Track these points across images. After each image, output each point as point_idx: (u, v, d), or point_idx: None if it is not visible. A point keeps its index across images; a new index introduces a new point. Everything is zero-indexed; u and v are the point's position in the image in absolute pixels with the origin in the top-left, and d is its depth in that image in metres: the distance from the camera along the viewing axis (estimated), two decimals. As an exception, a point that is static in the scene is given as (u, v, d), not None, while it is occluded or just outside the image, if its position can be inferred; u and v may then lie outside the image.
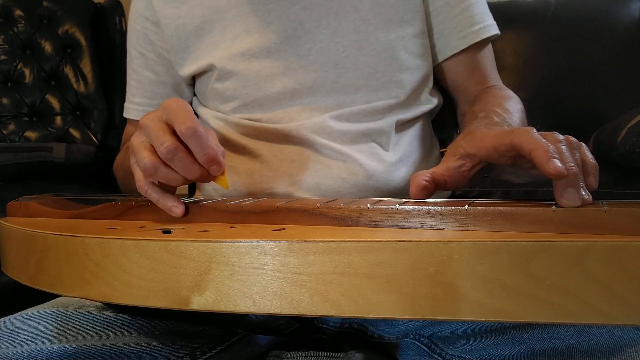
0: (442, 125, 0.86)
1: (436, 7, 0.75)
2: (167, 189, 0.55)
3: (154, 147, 0.50)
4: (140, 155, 0.51)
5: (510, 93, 0.72)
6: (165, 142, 0.49)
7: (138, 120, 0.80)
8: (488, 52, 0.78)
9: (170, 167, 0.50)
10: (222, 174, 0.52)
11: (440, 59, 0.77)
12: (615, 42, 1.76)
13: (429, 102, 0.76)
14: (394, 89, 0.72)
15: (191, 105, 0.82)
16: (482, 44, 0.76)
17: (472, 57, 0.76)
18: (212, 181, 0.53)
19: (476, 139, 0.49)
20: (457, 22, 0.75)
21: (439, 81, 0.81)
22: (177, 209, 0.53)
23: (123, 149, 0.81)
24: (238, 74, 0.72)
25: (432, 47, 0.77)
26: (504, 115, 0.63)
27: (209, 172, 0.51)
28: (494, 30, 0.76)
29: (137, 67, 0.80)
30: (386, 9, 0.72)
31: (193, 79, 0.79)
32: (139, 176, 0.53)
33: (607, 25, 1.77)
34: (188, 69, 0.76)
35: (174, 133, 0.50)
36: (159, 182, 0.54)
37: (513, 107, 0.66)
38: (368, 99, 0.71)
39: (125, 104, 0.83)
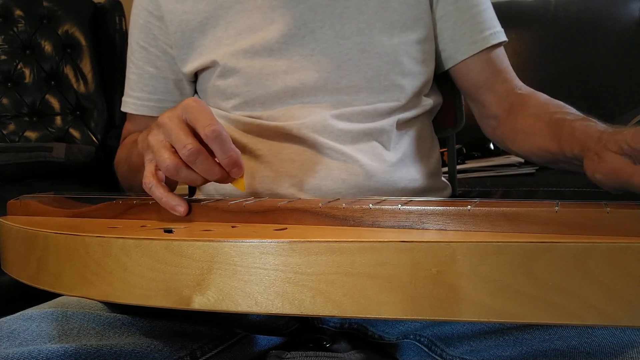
0: (442, 125, 0.87)
1: (447, 11, 0.75)
2: (170, 186, 0.55)
3: (173, 147, 0.51)
4: (161, 156, 0.51)
5: (548, 97, 0.72)
6: (188, 144, 0.49)
7: (136, 115, 0.81)
8: (502, 53, 0.78)
9: (191, 168, 0.51)
10: (241, 176, 0.53)
11: (451, 63, 0.78)
12: (615, 42, 1.77)
13: (428, 103, 0.77)
14: (395, 93, 0.72)
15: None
16: (494, 47, 0.76)
17: (490, 60, 0.76)
18: (229, 183, 0.54)
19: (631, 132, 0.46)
20: (468, 28, 0.75)
21: (458, 85, 0.81)
22: (181, 208, 0.53)
23: (126, 144, 0.81)
24: (240, 72, 0.72)
25: (442, 51, 0.77)
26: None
27: (229, 174, 0.52)
28: (503, 37, 0.77)
29: (138, 60, 0.80)
30: (390, 13, 0.72)
31: (195, 76, 0.79)
32: (148, 172, 0.53)
33: (607, 25, 1.78)
34: (191, 65, 0.76)
35: (194, 134, 0.50)
36: (164, 181, 0.54)
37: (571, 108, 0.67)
38: (369, 100, 0.72)
39: (124, 98, 0.83)
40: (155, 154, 0.52)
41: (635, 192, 0.46)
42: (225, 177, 0.52)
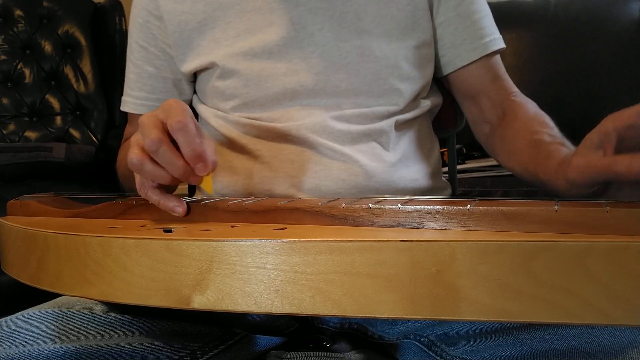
0: (442, 125, 0.87)
1: (448, 17, 0.75)
2: (167, 190, 0.55)
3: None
4: (130, 153, 0.51)
5: (537, 109, 0.72)
6: (151, 134, 0.49)
7: (136, 115, 0.81)
8: (499, 60, 0.78)
9: (157, 164, 0.50)
10: (208, 175, 0.52)
11: (451, 69, 0.78)
12: (615, 42, 1.77)
13: (427, 105, 0.77)
14: (394, 97, 0.72)
15: (191, 103, 0.82)
16: (493, 54, 0.76)
17: (488, 66, 0.77)
18: (197, 184, 0.53)
19: (608, 120, 0.47)
20: (468, 34, 0.75)
21: (454, 90, 0.81)
22: (179, 209, 0.53)
23: (126, 146, 0.81)
24: (240, 73, 0.72)
25: (442, 57, 0.77)
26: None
27: (195, 170, 0.51)
28: (502, 43, 0.77)
29: (137, 60, 0.80)
30: (388, 20, 0.72)
31: (194, 76, 0.79)
32: (137, 179, 0.53)
33: (607, 25, 1.78)
34: (190, 65, 0.76)
35: (166, 130, 0.50)
36: (158, 183, 0.54)
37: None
38: (368, 103, 0.72)
39: (123, 97, 0.83)
40: (129, 152, 0.52)
41: (613, 181, 0.46)
42: (190, 172, 0.51)
